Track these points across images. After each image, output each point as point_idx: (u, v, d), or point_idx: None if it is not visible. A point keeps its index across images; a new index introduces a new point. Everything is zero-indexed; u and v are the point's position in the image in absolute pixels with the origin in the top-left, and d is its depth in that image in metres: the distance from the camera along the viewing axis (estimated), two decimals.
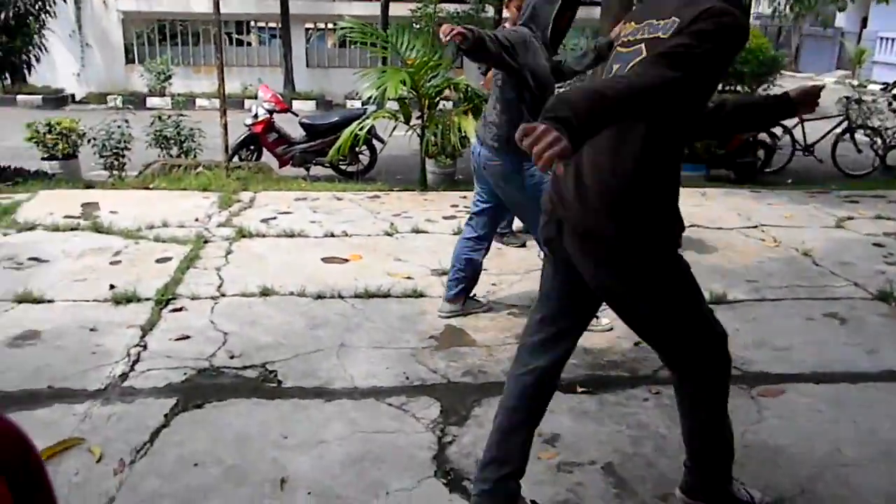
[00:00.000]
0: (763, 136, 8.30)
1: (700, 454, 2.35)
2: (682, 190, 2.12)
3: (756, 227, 5.70)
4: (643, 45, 2.00)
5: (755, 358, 3.49)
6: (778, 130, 8.58)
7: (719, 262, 4.86)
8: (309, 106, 15.05)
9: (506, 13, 4.23)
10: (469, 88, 7.33)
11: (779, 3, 16.22)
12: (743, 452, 2.72)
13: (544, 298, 2.31)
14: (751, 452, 2.72)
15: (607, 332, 3.74)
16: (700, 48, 1.83)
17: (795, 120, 8.93)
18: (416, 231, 5.45)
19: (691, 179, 6.49)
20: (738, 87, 14.58)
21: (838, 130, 8.69)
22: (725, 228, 5.62)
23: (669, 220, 2.08)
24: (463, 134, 6.86)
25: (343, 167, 8.35)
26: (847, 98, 8.92)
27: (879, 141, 8.37)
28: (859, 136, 8.53)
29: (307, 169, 8.34)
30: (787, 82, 18.44)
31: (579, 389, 3.18)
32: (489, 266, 4.71)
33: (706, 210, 5.95)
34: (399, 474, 2.54)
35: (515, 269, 4.70)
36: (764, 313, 4.03)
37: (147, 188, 6.68)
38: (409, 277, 4.45)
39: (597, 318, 3.77)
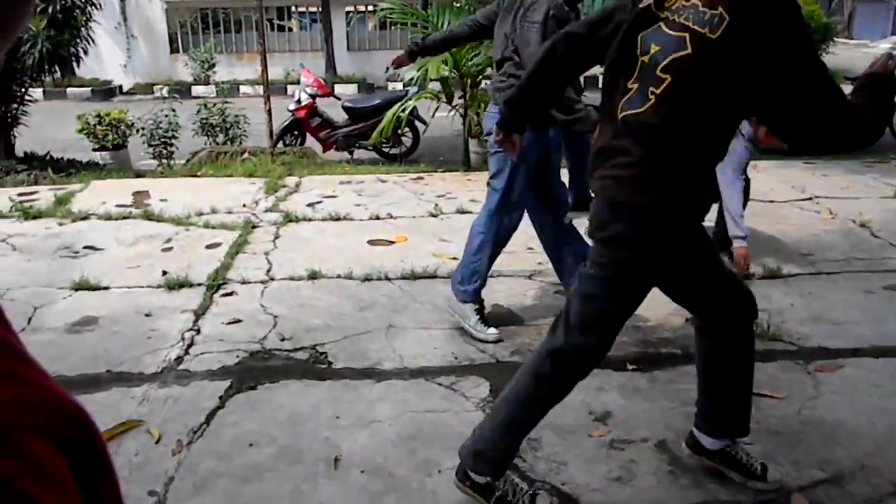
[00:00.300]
0: None
1: (719, 413, 2.37)
2: None
3: (811, 199, 5.55)
4: (688, 38, 1.86)
5: (811, 333, 3.41)
6: None
7: (773, 235, 4.75)
8: (351, 89, 15.12)
9: None
10: None
11: None
12: (799, 429, 2.67)
13: None
14: (808, 428, 2.66)
15: (660, 310, 3.68)
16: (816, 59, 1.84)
17: (850, 88, 8.65)
18: (461, 212, 5.43)
19: None
20: None
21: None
22: (779, 201, 5.48)
23: (698, 196, 2.05)
24: None
25: (386, 150, 8.37)
26: None
27: None
28: None
29: (351, 152, 8.38)
30: (840, 50, 17.86)
31: (630, 367, 3.14)
32: (534, 245, 4.67)
33: (758, 183, 5.77)
34: (450, 453, 2.54)
35: None
36: (820, 287, 3.93)
37: (195, 176, 6.79)
38: (454, 258, 4.42)
39: (486, 324, 3.49)
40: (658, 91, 1.89)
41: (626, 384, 3.01)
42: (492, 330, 3.46)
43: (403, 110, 6.96)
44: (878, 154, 6.78)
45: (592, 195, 2.11)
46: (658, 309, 3.70)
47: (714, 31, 1.82)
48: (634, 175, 1.96)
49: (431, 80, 7.12)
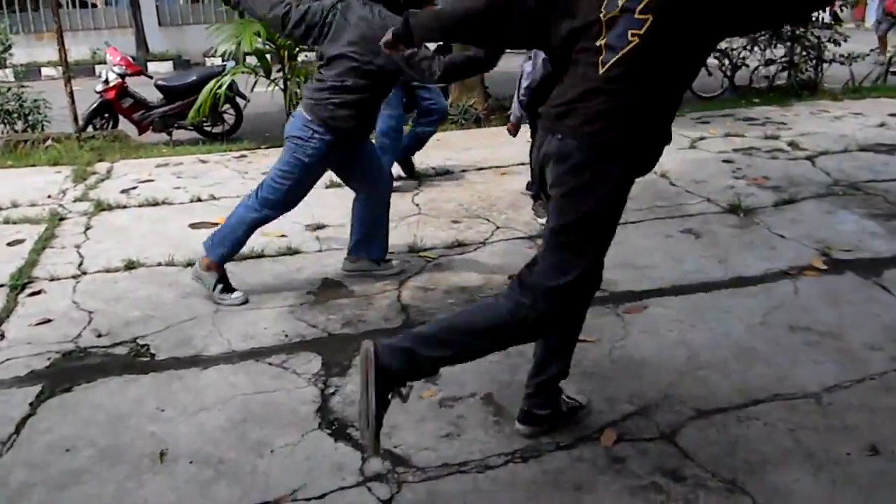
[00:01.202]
0: None
1: (549, 377, 2.46)
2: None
3: None
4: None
5: (620, 278, 3.65)
6: None
7: None
8: (166, 67, 14.37)
9: None
10: None
11: None
12: (610, 367, 2.89)
13: None
14: (617, 367, 2.88)
15: (487, 269, 3.82)
16: None
17: None
18: None
19: None
20: None
21: None
22: None
23: (633, 146, 2.15)
24: None
25: (207, 129, 8.03)
26: None
27: (727, 62, 8.80)
28: (709, 59, 8.95)
29: (169, 133, 7.97)
30: None
31: None
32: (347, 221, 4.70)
33: None
34: (282, 431, 2.54)
35: (389, 217, 4.70)
36: (627, 235, 4.20)
37: None
38: (282, 235, 4.37)
39: (387, 260, 3.85)
40: (641, 31, 2.01)
41: None
42: (395, 261, 3.86)
43: (220, 86, 6.71)
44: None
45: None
46: (484, 269, 3.85)
47: None
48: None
49: (246, 53, 6.91)
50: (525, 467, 2.32)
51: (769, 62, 8.79)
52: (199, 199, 5.08)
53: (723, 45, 8.92)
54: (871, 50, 8.98)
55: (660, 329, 3.18)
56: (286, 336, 3.23)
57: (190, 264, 3.96)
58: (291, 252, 4.14)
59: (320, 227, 4.55)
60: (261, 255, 4.09)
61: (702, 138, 6.32)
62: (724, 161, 5.63)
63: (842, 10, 13.58)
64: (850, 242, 3.97)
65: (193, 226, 4.59)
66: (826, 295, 3.41)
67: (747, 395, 2.66)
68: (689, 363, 2.90)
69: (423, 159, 5.83)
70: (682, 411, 2.59)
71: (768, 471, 2.26)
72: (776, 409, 2.57)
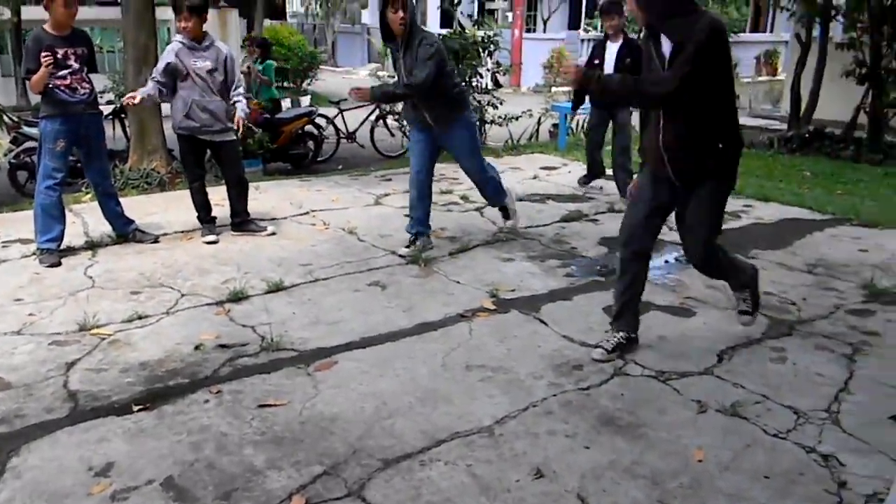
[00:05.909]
0: (310, 128, 8.75)
1: None
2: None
3: (307, 213, 5.97)
4: None
5: (310, 336, 3.66)
6: (322, 122, 9.12)
7: (274, 251, 5.00)
8: None
9: None
10: None
11: (309, 2, 17.24)
12: (301, 429, 2.84)
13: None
14: (308, 427, 2.84)
15: (171, 341, 3.59)
16: None
17: (335, 111, 9.62)
18: None
19: (250, 175, 6.49)
20: (285, 83, 15.15)
21: (373, 118, 9.57)
22: (279, 218, 5.79)
23: None
24: None
25: None
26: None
27: (406, 123, 9.39)
28: (390, 121, 9.49)
29: None
30: (328, 76, 19.79)
31: (136, 408, 2.99)
32: (23, 296, 4.19)
33: (260, 203, 6.06)
34: None
35: (57, 293, 4.24)
36: (317, 293, 4.25)
37: None
38: None
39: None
40: None
41: (132, 428, 2.85)
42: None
43: None
44: (362, 168, 7.65)
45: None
46: (167, 341, 3.61)
47: None
48: None
49: None
50: None
51: None
52: None
53: (399, 107, 9.52)
54: (523, 112, 10.05)
55: (350, 383, 3.21)
56: None
57: None
58: None
59: None
60: None
61: (386, 195, 6.63)
62: (407, 215, 5.94)
63: (504, 74, 15.37)
64: (513, 283, 4.40)
65: None
66: (496, 332, 3.71)
67: (431, 436, 2.78)
68: (377, 413, 2.96)
69: (98, 226, 5.38)
70: (370, 464, 2.62)
71: None
72: (456, 447, 2.72)
